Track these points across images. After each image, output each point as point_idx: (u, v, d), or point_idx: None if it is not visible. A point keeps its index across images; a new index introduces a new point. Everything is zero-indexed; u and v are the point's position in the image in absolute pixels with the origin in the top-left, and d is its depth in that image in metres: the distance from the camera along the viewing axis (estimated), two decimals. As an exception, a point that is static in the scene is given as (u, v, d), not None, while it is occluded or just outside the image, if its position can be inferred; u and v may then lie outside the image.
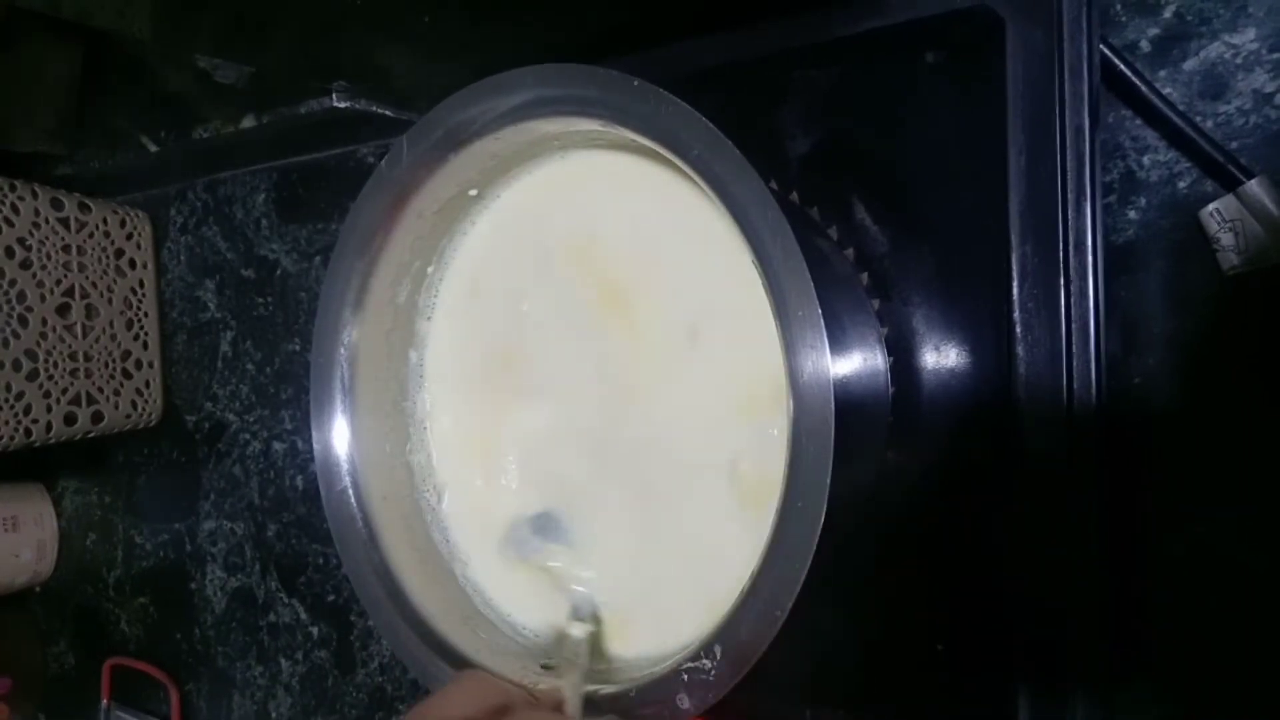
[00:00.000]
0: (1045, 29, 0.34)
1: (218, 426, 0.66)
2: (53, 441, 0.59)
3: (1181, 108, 0.35)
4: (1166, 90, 0.36)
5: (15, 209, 0.57)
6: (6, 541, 0.71)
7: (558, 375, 0.39)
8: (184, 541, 0.68)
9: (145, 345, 0.66)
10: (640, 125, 0.31)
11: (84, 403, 0.61)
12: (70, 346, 0.60)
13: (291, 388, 0.62)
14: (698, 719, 0.30)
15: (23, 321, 0.57)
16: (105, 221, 0.63)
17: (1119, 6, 0.36)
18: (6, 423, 0.56)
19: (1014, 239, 0.35)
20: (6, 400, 0.56)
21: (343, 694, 0.61)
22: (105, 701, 0.71)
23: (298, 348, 0.62)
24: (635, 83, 0.30)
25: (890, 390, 0.37)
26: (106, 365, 0.63)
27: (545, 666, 0.36)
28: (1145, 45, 0.36)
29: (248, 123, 0.55)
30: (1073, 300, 0.34)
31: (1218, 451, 0.36)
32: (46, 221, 0.59)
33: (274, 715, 0.64)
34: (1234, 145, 0.35)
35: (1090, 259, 0.34)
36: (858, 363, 0.35)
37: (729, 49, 0.40)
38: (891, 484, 0.39)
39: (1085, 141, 0.33)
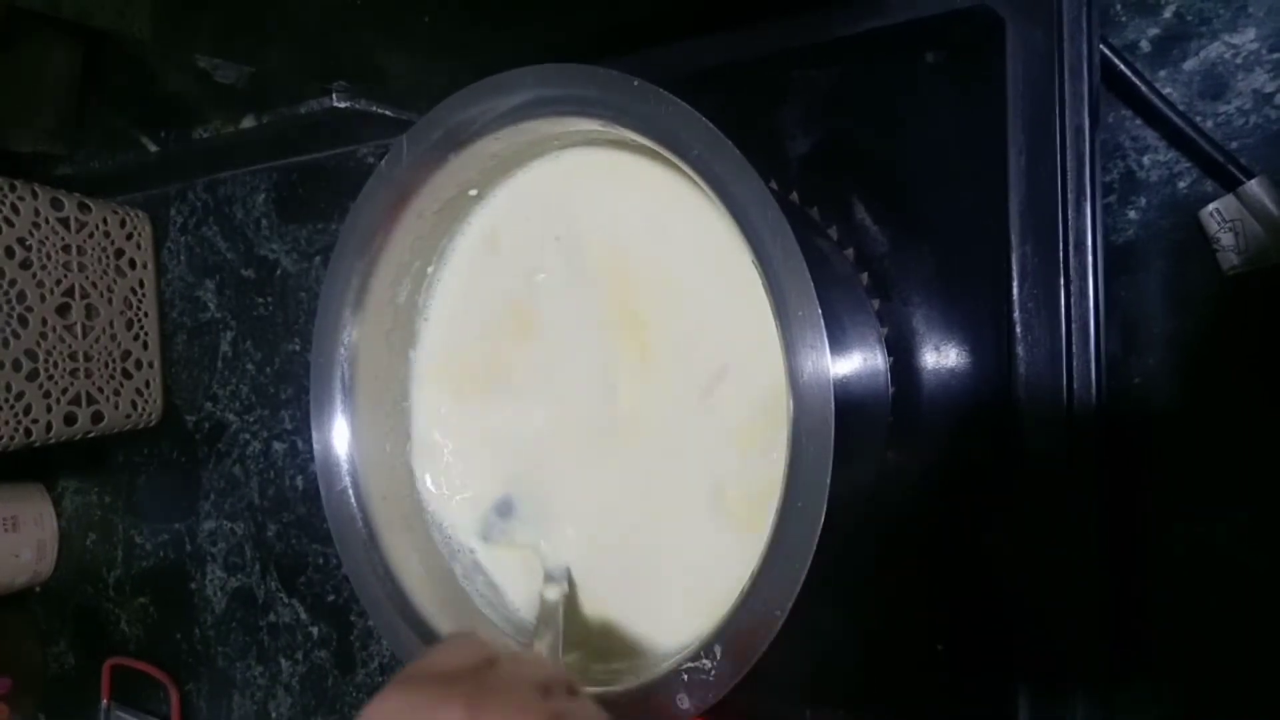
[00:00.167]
0: (1045, 29, 0.34)
1: (218, 426, 0.66)
2: (53, 441, 0.59)
3: (1181, 108, 0.35)
4: (1166, 90, 0.36)
5: (15, 209, 0.57)
6: (6, 541, 0.71)
7: (556, 382, 0.39)
8: (184, 541, 0.68)
9: (145, 345, 0.66)
10: (640, 125, 0.31)
11: (84, 403, 0.61)
12: (70, 346, 0.60)
13: (291, 388, 0.62)
14: (698, 719, 0.30)
15: (23, 321, 0.57)
16: (105, 221, 0.63)
17: (1119, 6, 0.36)
18: (6, 423, 0.56)
19: (1014, 239, 0.35)
20: (6, 400, 0.56)
21: (343, 694, 0.61)
22: (105, 701, 0.71)
23: (298, 348, 0.62)
24: (635, 83, 0.30)
25: (890, 390, 0.37)
26: (106, 365, 0.63)
27: None
28: (1145, 45, 0.36)
29: (248, 123, 0.55)
30: (1073, 300, 0.34)
31: (1218, 451, 0.36)
32: (46, 221, 0.59)
33: (274, 715, 0.64)
34: (1234, 145, 0.35)
35: (1090, 259, 0.34)
36: (858, 363, 0.35)
37: (729, 49, 0.40)
38: (891, 484, 0.39)
39: (1085, 141, 0.33)
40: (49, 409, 0.58)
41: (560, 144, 0.38)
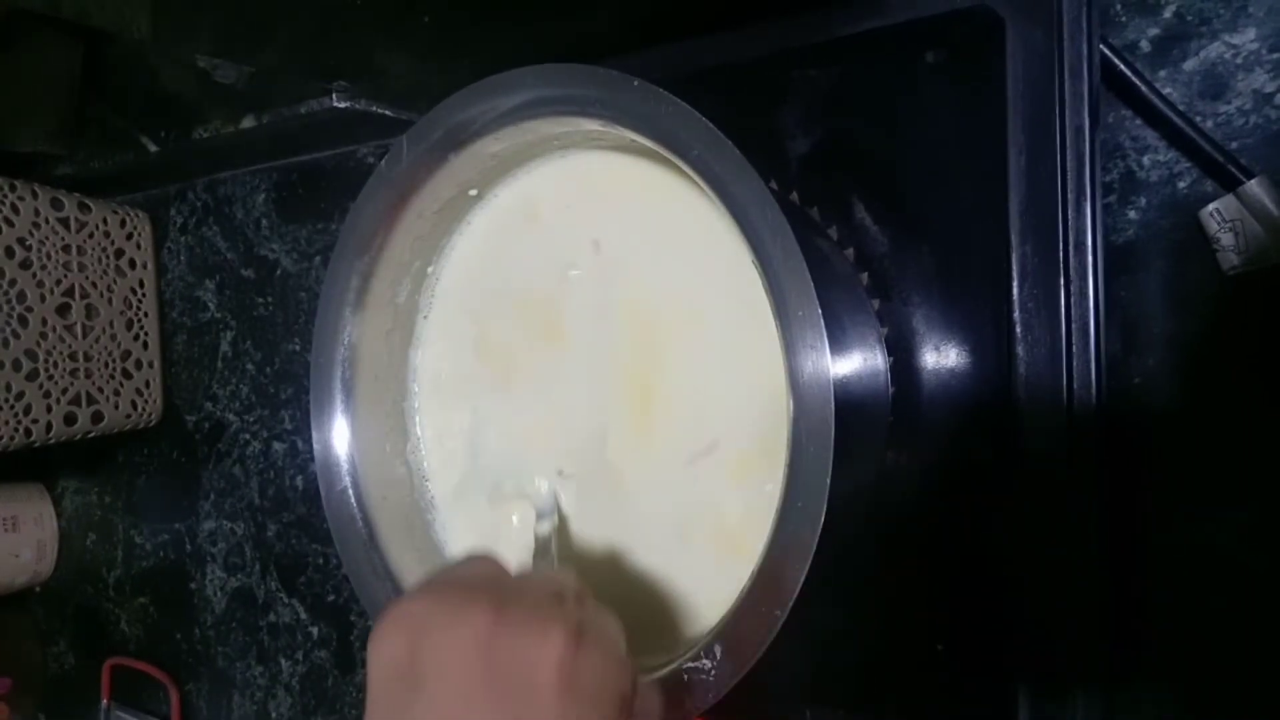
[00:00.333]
0: (1045, 29, 0.34)
1: (218, 426, 0.66)
2: (53, 441, 0.59)
3: (1181, 108, 0.35)
4: (1166, 90, 0.36)
5: (15, 209, 0.57)
6: (6, 541, 0.71)
7: (556, 395, 0.39)
8: (184, 541, 0.68)
9: (145, 345, 0.66)
10: (640, 125, 0.31)
11: (84, 403, 0.61)
12: (70, 346, 0.60)
13: (291, 388, 0.62)
14: (698, 719, 0.30)
15: (23, 321, 0.57)
16: (105, 221, 0.63)
17: (1119, 6, 0.36)
18: (6, 423, 0.56)
19: (1014, 239, 0.35)
20: (6, 400, 0.56)
21: (343, 694, 0.61)
22: (105, 701, 0.71)
23: (298, 348, 0.62)
24: (635, 83, 0.30)
25: (890, 390, 0.37)
26: (106, 365, 0.63)
27: None
28: (1145, 45, 0.36)
29: (248, 123, 0.55)
30: (1073, 300, 0.34)
31: (1218, 451, 0.36)
32: (46, 221, 0.59)
33: (274, 715, 0.64)
34: (1234, 145, 0.35)
35: (1090, 259, 0.34)
36: (858, 363, 0.35)
37: (729, 49, 0.40)
38: (891, 484, 0.39)
39: (1085, 141, 0.33)
40: (49, 409, 0.58)
41: (560, 144, 0.38)
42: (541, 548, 0.37)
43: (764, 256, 0.28)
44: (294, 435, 0.62)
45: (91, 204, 0.62)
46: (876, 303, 0.38)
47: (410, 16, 0.40)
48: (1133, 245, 0.37)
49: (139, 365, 0.65)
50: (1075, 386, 0.34)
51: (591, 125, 0.33)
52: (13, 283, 0.57)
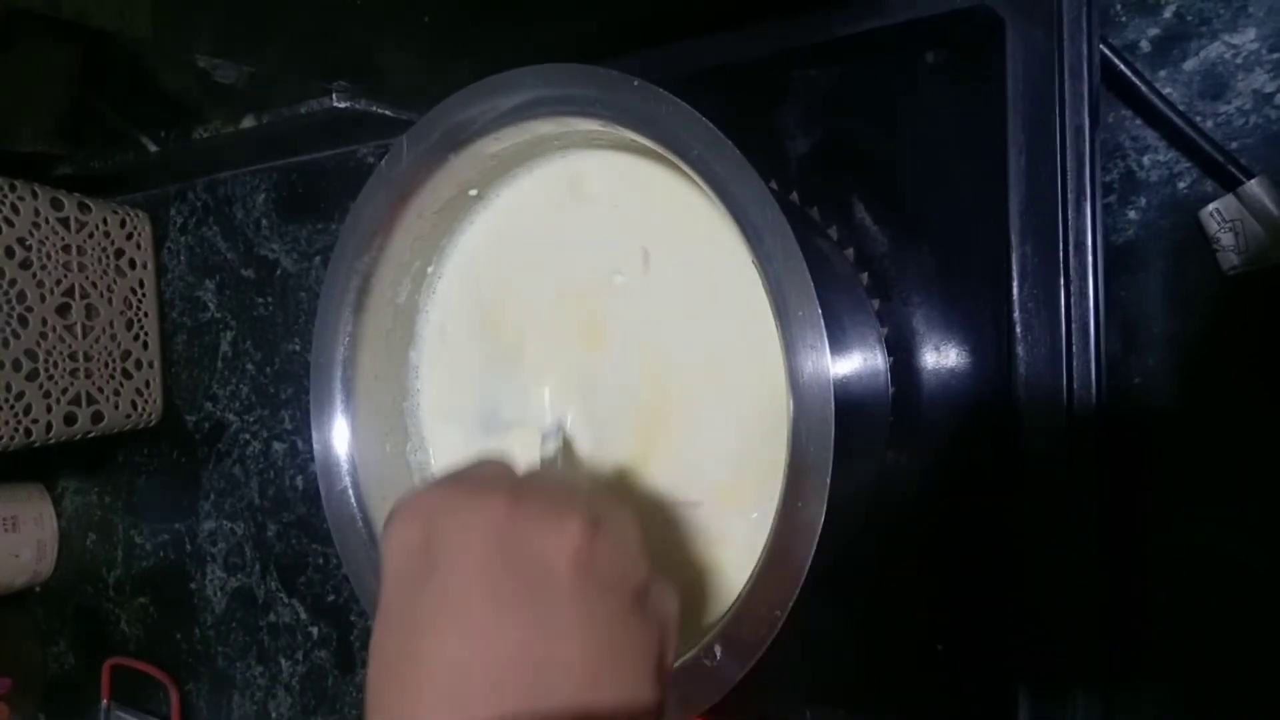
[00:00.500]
0: (1045, 29, 0.34)
1: (218, 426, 0.66)
2: (53, 441, 0.59)
3: (1181, 108, 0.35)
4: (1166, 90, 0.36)
5: (15, 209, 0.57)
6: (6, 541, 0.71)
7: (552, 385, 0.39)
8: (184, 541, 0.68)
9: (145, 345, 0.66)
10: (640, 125, 0.31)
11: (84, 403, 0.61)
12: (70, 346, 0.60)
13: (291, 388, 0.62)
14: (698, 719, 0.30)
15: (23, 321, 0.57)
16: (105, 221, 0.63)
17: (1119, 6, 0.36)
18: (6, 423, 0.56)
19: (1014, 239, 0.35)
20: (6, 400, 0.56)
21: (343, 694, 0.61)
22: (105, 701, 0.71)
23: (298, 348, 0.62)
24: (635, 83, 0.30)
25: (890, 390, 0.37)
26: (106, 365, 0.63)
27: None
28: (1145, 45, 0.36)
29: (248, 123, 0.55)
30: (1073, 300, 0.34)
31: (1218, 451, 0.36)
32: (46, 221, 0.59)
33: (274, 715, 0.64)
34: (1234, 145, 0.35)
35: (1090, 259, 0.34)
36: (858, 363, 0.35)
37: (729, 49, 0.40)
38: (891, 484, 0.39)
39: (1085, 141, 0.33)
40: (49, 409, 0.58)
41: (560, 144, 0.38)
42: (548, 467, 0.36)
43: (764, 256, 0.28)
44: (294, 435, 0.62)
45: (91, 204, 0.62)
46: (876, 303, 0.38)
47: (410, 16, 0.40)
48: (1133, 245, 0.37)
49: (139, 365, 0.65)
50: (1075, 386, 0.34)
51: (591, 125, 0.33)
52: (13, 283, 0.57)
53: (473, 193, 0.39)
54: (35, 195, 0.58)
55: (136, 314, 0.65)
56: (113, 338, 0.63)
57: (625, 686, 0.24)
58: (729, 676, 0.29)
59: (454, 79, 0.35)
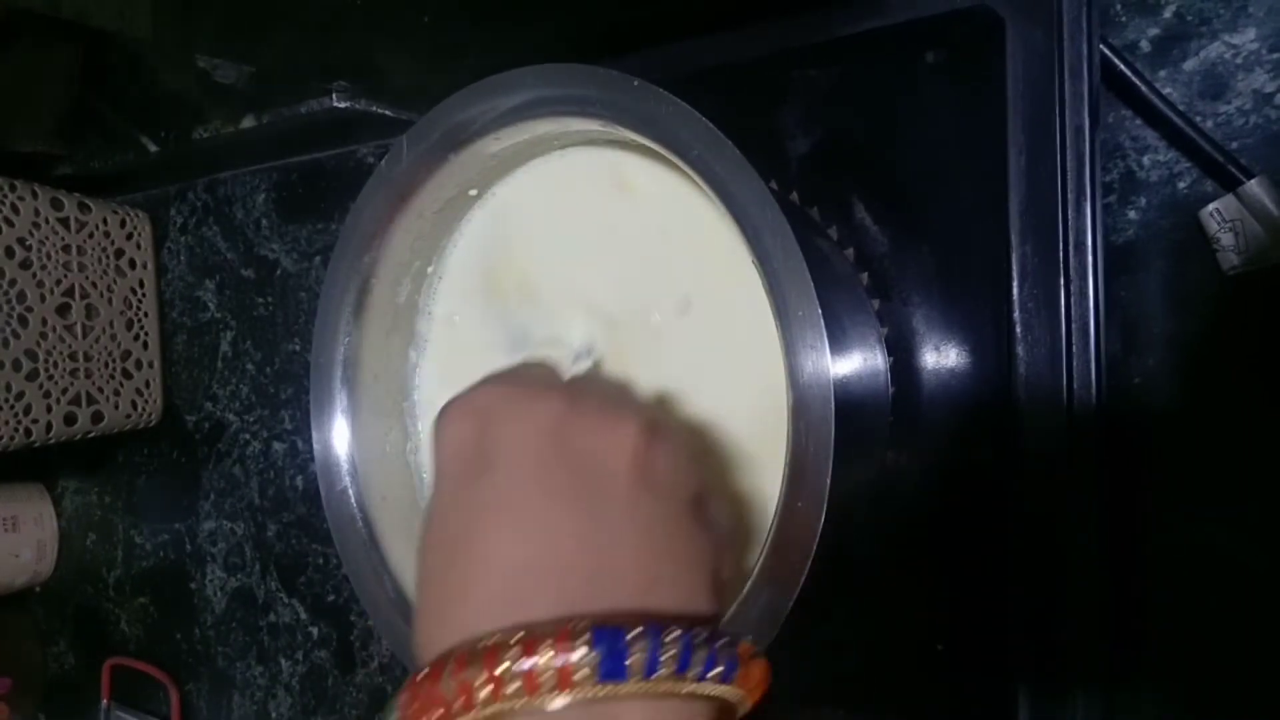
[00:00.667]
0: (1045, 29, 0.34)
1: (218, 426, 0.66)
2: (53, 441, 0.59)
3: (1181, 108, 0.35)
4: (1166, 90, 0.36)
5: (15, 209, 0.57)
6: (6, 541, 0.71)
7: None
8: (184, 541, 0.68)
9: (145, 345, 0.66)
10: (640, 125, 0.31)
11: (84, 403, 0.61)
12: (70, 346, 0.60)
13: (291, 388, 0.62)
14: (698, 719, 0.30)
15: (23, 321, 0.57)
16: (105, 221, 0.63)
17: (1119, 6, 0.37)
18: (6, 423, 0.56)
19: (1014, 239, 0.35)
20: (6, 400, 0.56)
21: (343, 694, 0.61)
22: (105, 701, 0.71)
23: (298, 348, 0.62)
24: (635, 83, 0.30)
25: (890, 390, 0.37)
26: (106, 365, 0.63)
27: None
28: (1145, 45, 0.36)
29: (248, 123, 0.55)
30: (1073, 300, 0.34)
31: (1218, 451, 0.36)
32: (46, 221, 0.59)
33: (274, 715, 0.64)
34: (1234, 145, 0.35)
35: (1090, 259, 0.34)
36: (858, 363, 0.35)
37: (729, 49, 0.40)
38: (891, 484, 0.39)
39: (1085, 141, 0.33)
40: (49, 409, 0.58)
41: (560, 144, 0.38)
42: None
43: (764, 256, 0.28)
44: (294, 435, 0.62)
45: (91, 204, 0.62)
46: (876, 303, 0.38)
47: (410, 16, 0.40)
48: (1133, 245, 0.37)
49: (139, 365, 0.65)
50: (1075, 386, 0.34)
51: (591, 125, 0.33)
52: (13, 283, 0.57)
53: (473, 192, 0.39)
54: (35, 195, 0.58)
55: (136, 314, 0.65)
56: (113, 338, 0.63)
57: (683, 592, 0.23)
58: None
59: (454, 79, 0.35)
